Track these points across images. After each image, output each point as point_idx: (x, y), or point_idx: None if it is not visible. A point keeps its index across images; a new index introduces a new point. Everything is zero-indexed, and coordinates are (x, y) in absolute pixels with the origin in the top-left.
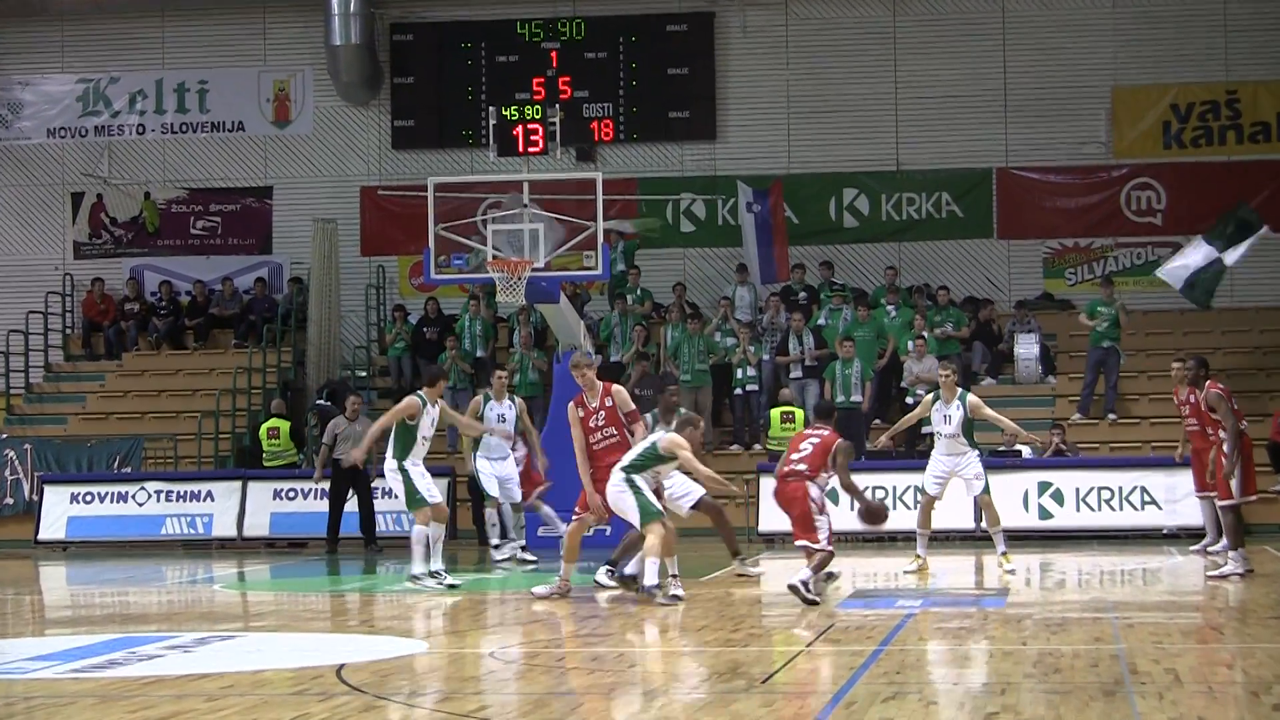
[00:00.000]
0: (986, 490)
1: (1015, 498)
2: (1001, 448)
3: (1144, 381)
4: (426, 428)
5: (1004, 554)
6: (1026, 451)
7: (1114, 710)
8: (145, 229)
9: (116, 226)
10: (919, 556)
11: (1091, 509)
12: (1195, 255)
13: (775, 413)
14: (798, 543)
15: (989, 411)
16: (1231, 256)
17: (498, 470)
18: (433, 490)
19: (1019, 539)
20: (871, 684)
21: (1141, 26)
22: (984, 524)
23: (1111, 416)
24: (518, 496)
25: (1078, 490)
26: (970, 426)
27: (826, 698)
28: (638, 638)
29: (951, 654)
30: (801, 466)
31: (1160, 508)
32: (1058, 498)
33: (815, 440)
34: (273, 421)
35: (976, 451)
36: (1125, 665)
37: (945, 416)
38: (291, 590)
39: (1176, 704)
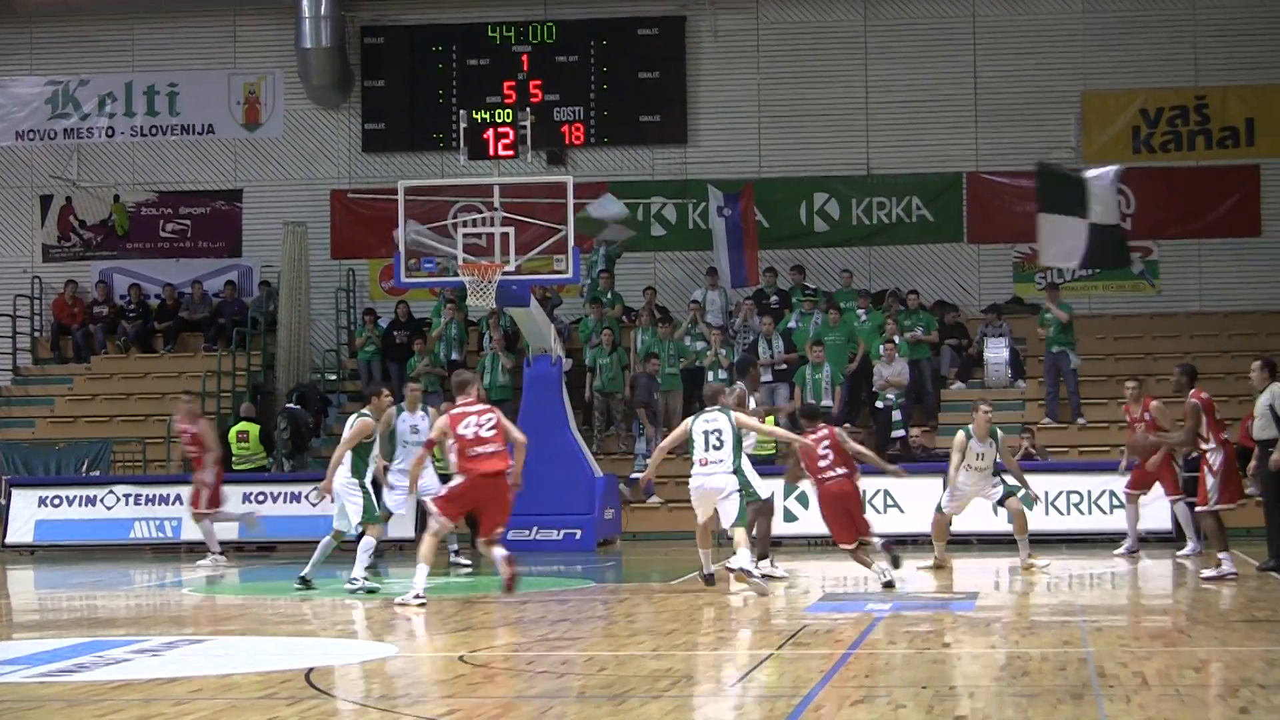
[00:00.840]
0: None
1: (985, 501)
2: None
3: (1112, 386)
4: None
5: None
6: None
7: (1082, 713)
8: (114, 232)
9: (85, 229)
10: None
11: (1060, 513)
12: (1070, 233)
13: None
14: (854, 542)
15: (1012, 460)
16: (1117, 214)
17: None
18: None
19: (989, 543)
20: (840, 687)
21: (1111, 32)
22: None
23: (1081, 421)
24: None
25: (1046, 494)
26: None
27: (795, 701)
28: (607, 641)
29: (920, 657)
30: (841, 470)
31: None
32: (1026, 501)
33: (827, 442)
34: (242, 425)
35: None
36: (1093, 668)
37: (979, 454)
38: (260, 594)
39: (1144, 707)
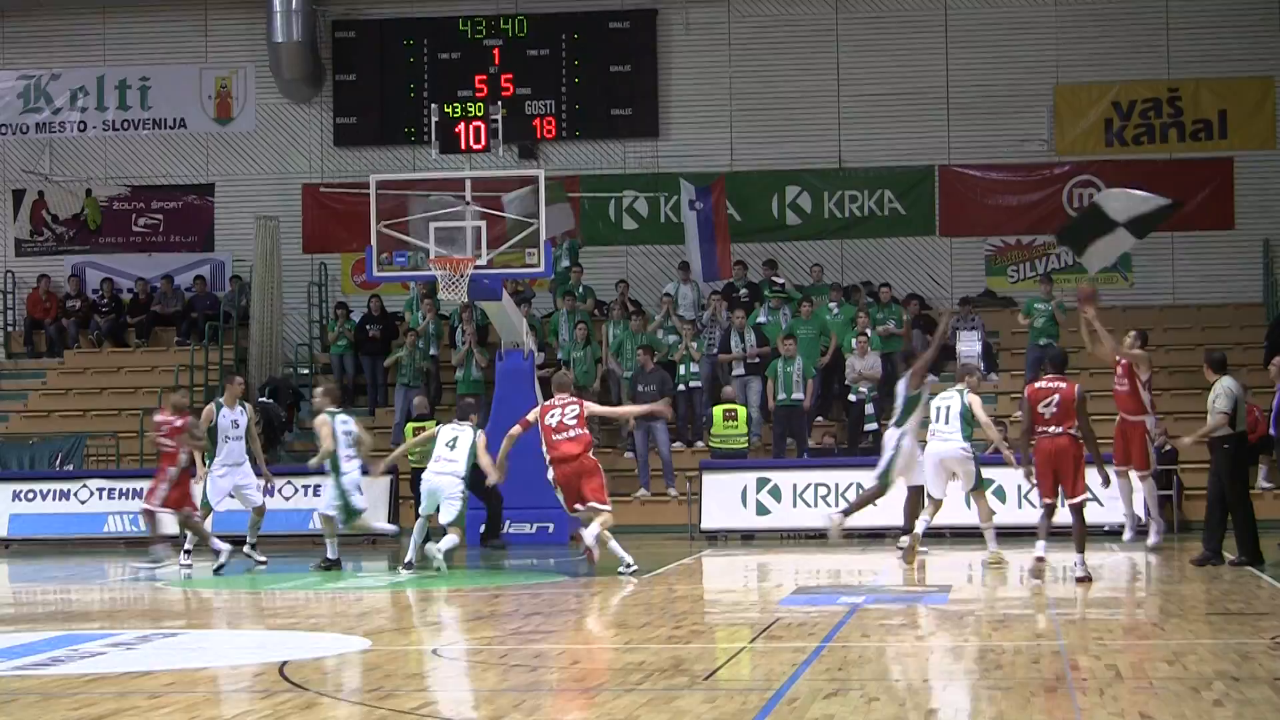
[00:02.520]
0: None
1: (956, 494)
2: None
3: (1087, 379)
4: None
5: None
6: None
7: (1055, 706)
8: (87, 226)
9: (58, 224)
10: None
11: (1034, 506)
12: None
13: (718, 410)
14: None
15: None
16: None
17: (237, 479)
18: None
19: (961, 536)
20: (813, 680)
21: (1084, 24)
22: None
23: None
24: (259, 500)
25: (1019, 487)
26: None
27: (768, 694)
28: (580, 635)
29: (893, 650)
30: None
31: (1102, 504)
32: (999, 494)
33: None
34: None
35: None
36: (1066, 661)
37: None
38: (234, 588)
39: (1117, 699)
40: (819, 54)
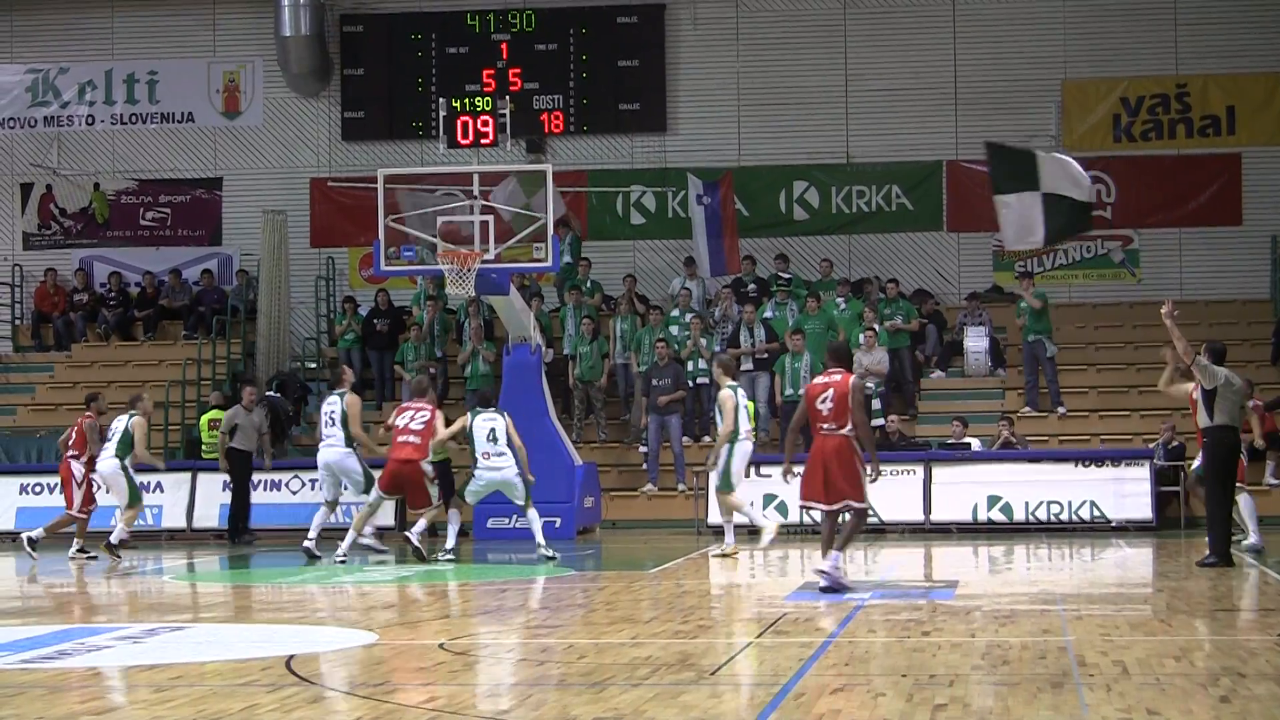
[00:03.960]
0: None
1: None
2: (950, 440)
3: (1092, 374)
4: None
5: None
6: (975, 444)
7: (1062, 702)
8: (95, 220)
9: (66, 217)
10: None
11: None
12: (1027, 211)
13: None
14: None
15: None
16: (1077, 191)
17: None
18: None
19: (969, 531)
20: (820, 675)
21: (1091, 20)
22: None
23: (1061, 410)
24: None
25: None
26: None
27: (775, 689)
28: (586, 629)
29: (900, 646)
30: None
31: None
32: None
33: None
34: (214, 413)
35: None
36: (1073, 657)
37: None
38: (241, 581)
39: (1124, 696)
40: (827, 49)
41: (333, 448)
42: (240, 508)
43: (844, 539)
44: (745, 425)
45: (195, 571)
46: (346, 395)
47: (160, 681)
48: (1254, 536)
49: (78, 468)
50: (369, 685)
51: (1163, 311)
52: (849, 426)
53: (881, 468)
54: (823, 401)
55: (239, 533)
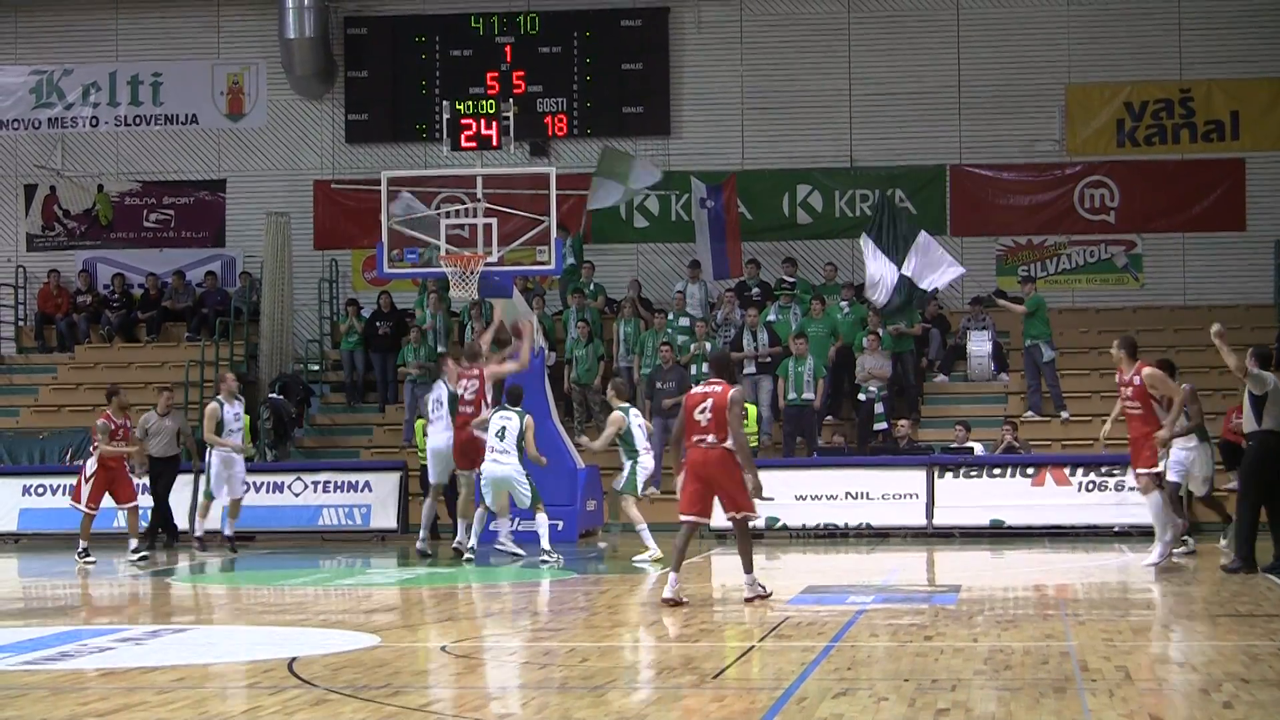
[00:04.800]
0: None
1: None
2: (953, 444)
3: (1096, 379)
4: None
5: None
6: (978, 448)
7: (1064, 707)
8: (98, 221)
9: (69, 219)
10: None
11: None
12: (886, 271)
13: None
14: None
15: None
16: (930, 279)
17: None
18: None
19: (971, 536)
20: (822, 680)
21: (1095, 24)
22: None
23: (1064, 415)
24: (241, 493)
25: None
26: None
27: (777, 693)
28: (589, 632)
29: (902, 650)
30: (714, 436)
31: (1112, 505)
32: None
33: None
34: None
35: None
36: (1076, 662)
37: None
38: (243, 584)
39: (1127, 701)
40: (830, 53)
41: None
42: (159, 513)
43: (746, 558)
44: (643, 443)
45: (198, 573)
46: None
47: (162, 683)
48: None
49: (90, 464)
50: (371, 688)
51: (1213, 331)
52: (729, 440)
53: (886, 473)
54: (701, 412)
55: (157, 537)
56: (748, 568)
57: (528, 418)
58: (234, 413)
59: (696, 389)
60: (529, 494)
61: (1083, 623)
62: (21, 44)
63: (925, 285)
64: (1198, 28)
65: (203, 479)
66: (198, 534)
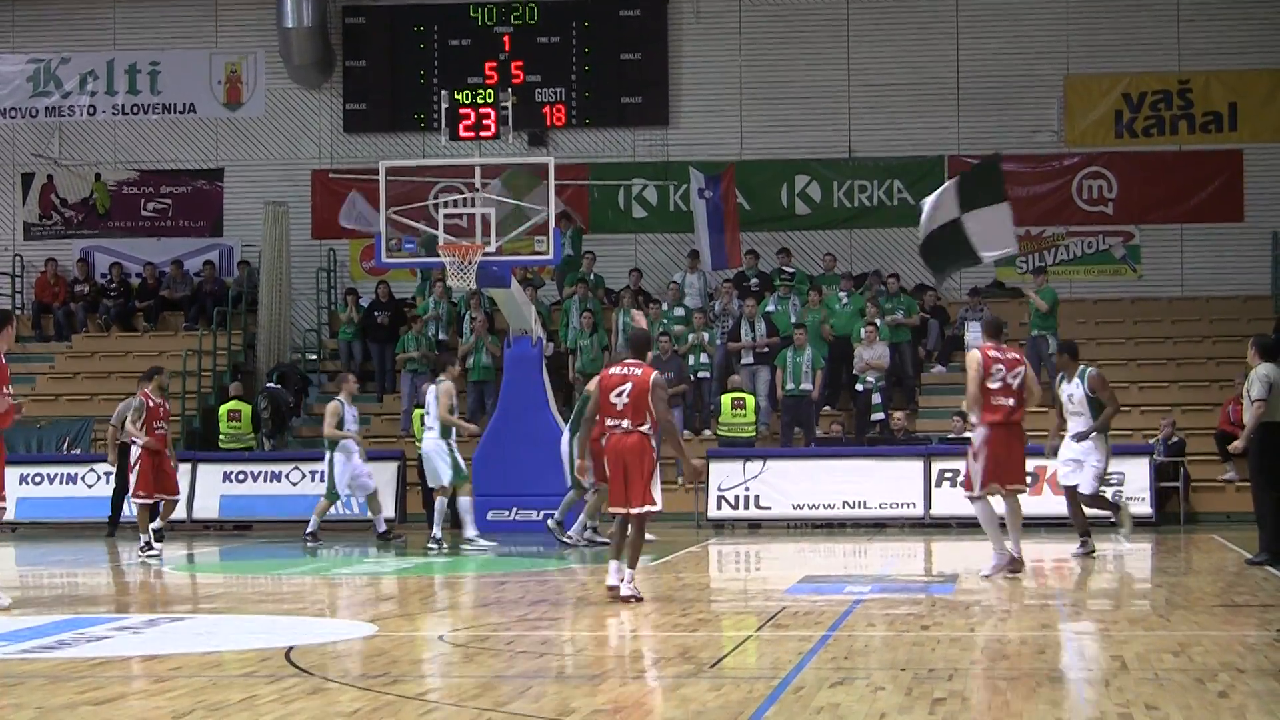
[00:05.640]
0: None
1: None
2: (950, 435)
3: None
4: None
5: None
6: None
7: (1061, 697)
8: (96, 210)
9: (67, 208)
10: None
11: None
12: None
13: (726, 399)
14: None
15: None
16: (986, 248)
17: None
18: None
19: (968, 526)
20: (819, 669)
21: (1094, 16)
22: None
23: None
24: (372, 486)
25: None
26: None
27: (774, 683)
28: (587, 622)
29: (899, 640)
30: (630, 421)
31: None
32: None
33: (629, 385)
34: (233, 404)
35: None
36: (1072, 652)
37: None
38: (240, 573)
39: (1123, 691)
40: (829, 43)
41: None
42: (120, 500)
43: (633, 555)
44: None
45: (194, 562)
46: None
47: (160, 672)
48: (1010, 544)
49: (134, 453)
50: (369, 676)
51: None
52: (646, 424)
53: (883, 463)
54: (618, 395)
55: (118, 525)
56: (632, 563)
57: (441, 384)
58: (353, 414)
59: (614, 370)
60: (448, 470)
61: (1079, 613)
62: (19, 32)
63: (985, 255)
64: (1196, 19)
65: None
66: (310, 530)
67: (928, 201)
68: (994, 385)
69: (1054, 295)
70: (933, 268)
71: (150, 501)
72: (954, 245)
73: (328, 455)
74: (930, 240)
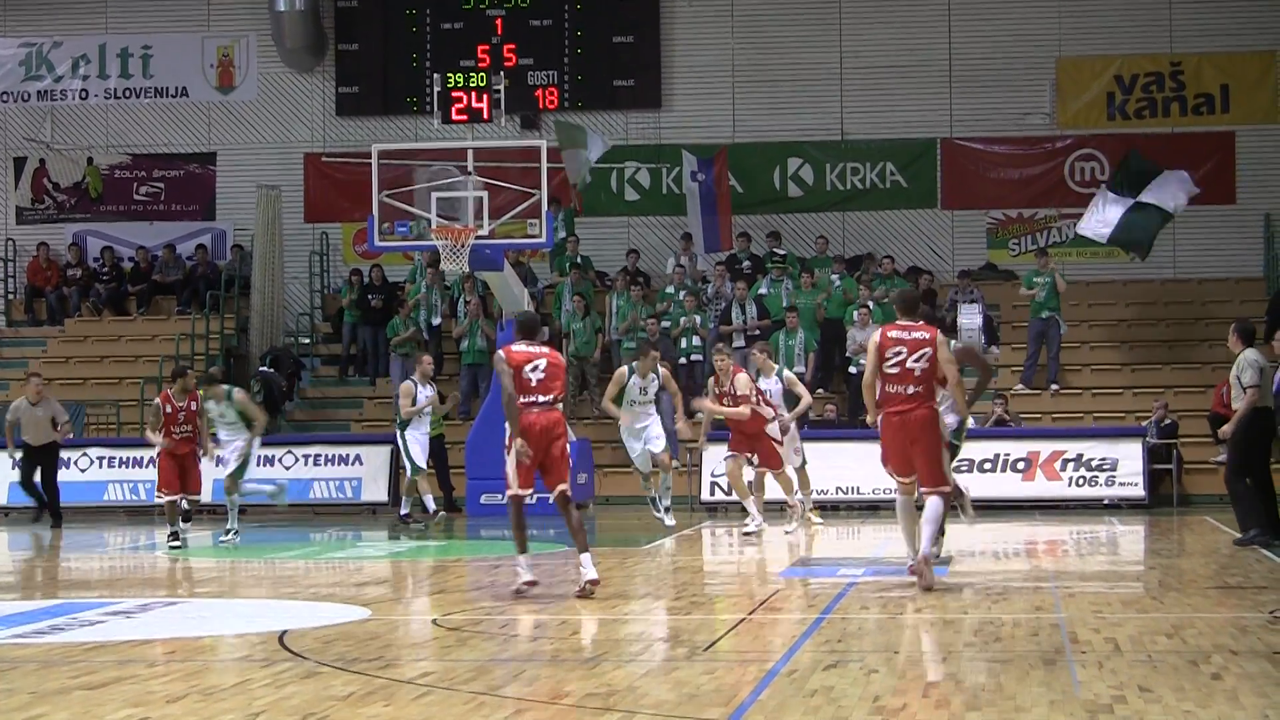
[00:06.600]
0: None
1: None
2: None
3: (1086, 352)
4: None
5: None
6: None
7: (1054, 679)
8: (88, 194)
9: (59, 192)
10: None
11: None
12: (1112, 209)
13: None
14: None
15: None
16: (1173, 202)
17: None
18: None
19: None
20: (813, 652)
21: None
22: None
23: (1054, 387)
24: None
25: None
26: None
27: (768, 665)
28: (581, 605)
29: (893, 622)
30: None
31: (1101, 478)
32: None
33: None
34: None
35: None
36: (1066, 634)
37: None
38: (233, 557)
39: (1116, 673)
40: (822, 26)
41: None
42: (46, 493)
43: (580, 538)
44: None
45: (187, 546)
46: None
47: (153, 656)
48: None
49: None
50: (362, 660)
51: None
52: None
53: (876, 446)
54: (533, 370)
55: (42, 513)
56: (582, 547)
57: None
58: (426, 394)
59: (516, 347)
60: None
61: (1072, 595)
62: (11, 16)
63: (1172, 208)
64: (1188, 1)
65: (406, 460)
66: (404, 511)
67: (1093, 220)
68: (890, 370)
69: (1063, 276)
70: (1135, 249)
71: (173, 498)
72: (1145, 220)
73: (398, 436)
74: (1120, 231)
